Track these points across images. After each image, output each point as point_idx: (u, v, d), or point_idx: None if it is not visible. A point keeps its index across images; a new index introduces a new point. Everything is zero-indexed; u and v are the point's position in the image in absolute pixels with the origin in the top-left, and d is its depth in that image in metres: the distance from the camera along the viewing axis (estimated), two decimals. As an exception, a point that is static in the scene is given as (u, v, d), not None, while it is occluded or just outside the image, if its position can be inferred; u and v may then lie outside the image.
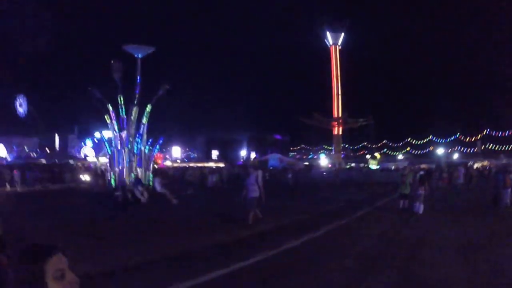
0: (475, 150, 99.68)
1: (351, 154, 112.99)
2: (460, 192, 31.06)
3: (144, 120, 32.69)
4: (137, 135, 32.15)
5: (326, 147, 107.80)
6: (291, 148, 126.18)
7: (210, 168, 53.61)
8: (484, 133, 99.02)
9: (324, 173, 65.79)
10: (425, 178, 21.31)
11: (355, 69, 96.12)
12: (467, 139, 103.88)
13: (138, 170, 31.64)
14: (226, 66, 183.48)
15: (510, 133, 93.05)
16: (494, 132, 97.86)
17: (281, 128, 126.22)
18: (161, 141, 35.04)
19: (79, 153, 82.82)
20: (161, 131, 37.53)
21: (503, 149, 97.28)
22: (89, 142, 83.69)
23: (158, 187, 25.46)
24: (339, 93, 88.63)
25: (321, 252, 11.26)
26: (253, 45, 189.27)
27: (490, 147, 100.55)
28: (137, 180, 25.98)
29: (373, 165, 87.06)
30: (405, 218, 18.16)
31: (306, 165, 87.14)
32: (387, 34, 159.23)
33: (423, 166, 69.99)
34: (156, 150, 34.64)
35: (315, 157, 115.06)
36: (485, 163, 71.95)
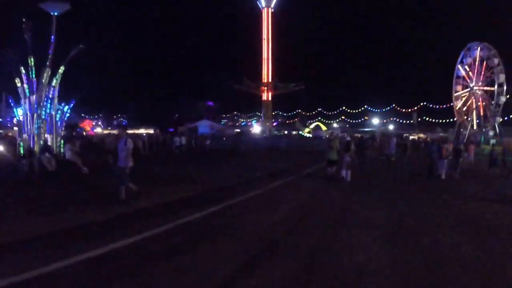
0: (411, 122, 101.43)
1: (286, 121, 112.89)
2: (391, 162, 31.51)
3: (54, 83, 30.33)
4: (46, 99, 29.81)
5: (259, 114, 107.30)
6: (223, 115, 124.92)
7: (134, 135, 51.44)
8: (420, 105, 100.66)
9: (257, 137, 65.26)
10: (350, 144, 21.18)
11: (289, 34, 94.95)
12: (403, 110, 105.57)
13: (48, 136, 29.40)
14: (152, 29, 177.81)
15: (447, 106, 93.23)
16: (430, 105, 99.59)
17: (214, 95, 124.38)
18: (71, 105, 32.56)
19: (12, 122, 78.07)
20: (81, 94, 35.28)
21: (439, 122, 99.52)
22: (20, 111, 78.73)
23: (67, 154, 24.21)
24: (269, 57, 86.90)
25: (199, 237, 9.39)
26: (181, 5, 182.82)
27: (427, 120, 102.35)
28: (45, 147, 23.97)
29: (306, 133, 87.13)
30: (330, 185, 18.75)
31: (237, 132, 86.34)
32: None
33: (356, 135, 70.83)
34: (66, 115, 32.27)
35: (248, 123, 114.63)
36: (421, 135, 73.24)
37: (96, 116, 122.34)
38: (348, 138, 24.22)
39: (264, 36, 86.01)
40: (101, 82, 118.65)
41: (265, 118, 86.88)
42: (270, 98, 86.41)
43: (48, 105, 30.48)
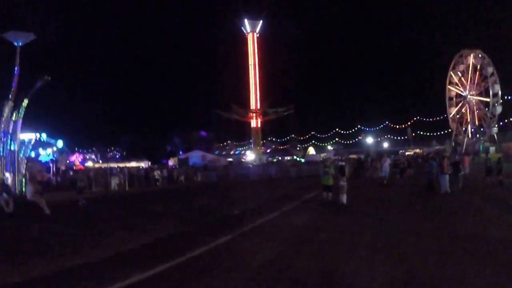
0: (405, 138, 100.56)
1: (279, 147, 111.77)
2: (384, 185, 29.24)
3: (14, 117, 28.40)
4: (3, 134, 27.85)
5: (252, 141, 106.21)
6: (217, 144, 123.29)
7: (113, 168, 49.72)
8: (413, 120, 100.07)
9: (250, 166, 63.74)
10: (344, 168, 21.64)
11: (276, 58, 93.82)
12: (397, 127, 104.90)
13: (7, 175, 27.25)
14: (134, 56, 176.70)
15: (440, 118, 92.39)
16: (424, 118, 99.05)
17: (207, 124, 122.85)
18: (33, 141, 30.74)
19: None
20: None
21: (434, 134, 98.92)
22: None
23: (28, 194, 22.15)
24: (257, 83, 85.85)
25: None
26: (164, 32, 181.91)
27: (421, 133, 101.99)
28: (2, 187, 21.86)
29: (299, 157, 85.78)
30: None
31: (229, 161, 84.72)
32: (310, 21, 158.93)
33: (352, 156, 69.33)
34: (29, 152, 30.32)
35: (242, 152, 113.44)
36: (417, 150, 71.94)
37: (89, 150, 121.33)
38: (342, 163, 24.98)
39: (251, 61, 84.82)
40: (94, 115, 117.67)
41: (255, 145, 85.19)
42: (259, 125, 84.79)
43: (9, 140, 28.38)
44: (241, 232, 13.55)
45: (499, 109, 75.54)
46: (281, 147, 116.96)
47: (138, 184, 42.69)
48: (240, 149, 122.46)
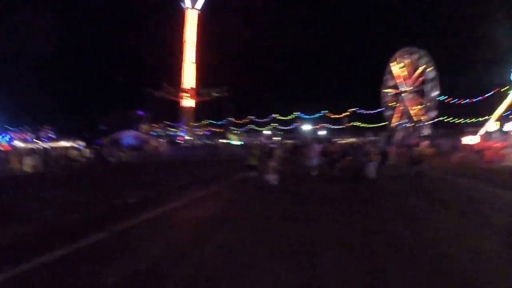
0: (342, 127, 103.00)
1: (217, 130, 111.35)
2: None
3: None
4: None
5: (191, 123, 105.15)
6: (154, 125, 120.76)
7: (31, 149, 47.77)
8: (351, 111, 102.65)
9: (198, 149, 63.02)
10: (274, 151, 24.08)
11: (215, 38, 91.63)
12: (334, 116, 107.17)
13: None
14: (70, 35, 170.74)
15: (377, 111, 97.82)
16: (361, 110, 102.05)
17: (143, 103, 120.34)
18: None
19: None
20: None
21: (371, 126, 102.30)
22: None
23: None
24: (191, 62, 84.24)
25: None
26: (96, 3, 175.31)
27: (358, 125, 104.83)
28: None
29: (235, 140, 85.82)
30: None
31: (162, 141, 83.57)
32: (255, 5, 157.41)
33: (289, 141, 70.13)
34: None
35: (181, 132, 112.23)
36: (353, 140, 73.81)
37: (20, 128, 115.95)
38: (274, 145, 28.30)
39: (187, 38, 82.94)
40: (29, 93, 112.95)
41: (187, 126, 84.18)
42: (192, 105, 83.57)
43: None
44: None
45: (436, 92, 79.30)
46: (220, 130, 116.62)
47: (56, 165, 39.03)
48: (174, 130, 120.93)
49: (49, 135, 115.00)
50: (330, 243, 9.24)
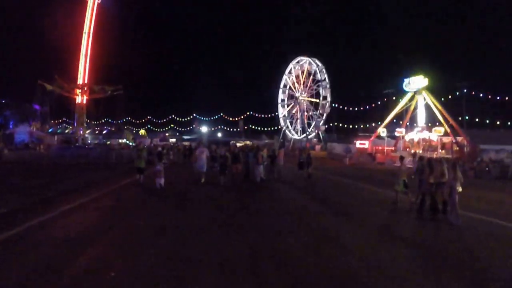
0: (238, 130, 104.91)
1: (113, 129, 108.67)
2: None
3: None
4: None
5: (89, 121, 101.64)
6: (53, 121, 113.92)
7: None
8: (246, 114, 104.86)
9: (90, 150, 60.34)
10: (162, 154, 24.71)
11: (116, 33, 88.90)
12: (231, 119, 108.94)
13: None
14: None
15: (271, 115, 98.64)
16: (256, 114, 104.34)
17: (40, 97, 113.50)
18: None
19: None
20: None
21: (265, 129, 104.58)
22: None
23: None
24: (88, 55, 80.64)
25: None
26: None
27: (253, 128, 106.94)
28: None
29: (131, 141, 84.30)
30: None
31: (63, 140, 79.43)
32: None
33: (186, 143, 70.20)
34: None
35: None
36: (248, 142, 75.05)
37: None
38: (160, 149, 27.47)
39: (86, 30, 79.42)
40: None
41: (78, 124, 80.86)
42: (84, 102, 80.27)
43: None
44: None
45: (327, 109, 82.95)
46: (116, 130, 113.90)
47: None
48: (74, 128, 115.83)
49: None
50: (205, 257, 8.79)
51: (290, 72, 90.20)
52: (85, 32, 79.98)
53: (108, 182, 23.19)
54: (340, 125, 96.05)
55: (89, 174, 28.74)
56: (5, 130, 75.77)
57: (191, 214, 14.08)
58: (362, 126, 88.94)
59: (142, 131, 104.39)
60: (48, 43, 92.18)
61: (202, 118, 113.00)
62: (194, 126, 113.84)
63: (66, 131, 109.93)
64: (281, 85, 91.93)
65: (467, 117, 63.38)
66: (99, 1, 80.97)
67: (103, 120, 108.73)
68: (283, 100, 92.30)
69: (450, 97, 64.01)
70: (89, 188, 20.48)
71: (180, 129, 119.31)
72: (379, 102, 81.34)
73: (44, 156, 47.17)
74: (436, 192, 14.33)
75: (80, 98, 79.84)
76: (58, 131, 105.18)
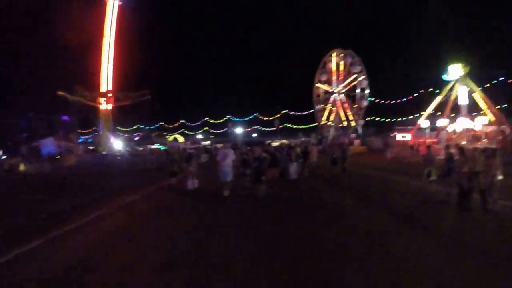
0: (273, 129, 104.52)
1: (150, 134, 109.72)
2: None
3: None
4: None
5: (119, 128, 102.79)
6: (81, 131, 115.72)
7: None
8: (282, 113, 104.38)
9: (118, 158, 60.97)
10: (192, 156, 23.25)
11: (138, 36, 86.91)
12: (266, 119, 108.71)
13: None
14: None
15: (308, 113, 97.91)
16: (292, 112, 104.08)
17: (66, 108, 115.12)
18: None
19: None
20: None
21: (301, 128, 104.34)
22: None
23: None
24: (110, 61, 79.36)
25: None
26: None
27: (289, 126, 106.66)
28: None
29: (161, 146, 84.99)
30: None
31: (90, 149, 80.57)
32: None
33: (219, 145, 70.54)
34: None
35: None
36: (284, 141, 74.88)
37: None
38: (191, 151, 27.96)
39: (108, 34, 78.40)
40: None
41: (104, 132, 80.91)
42: (110, 110, 79.80)
43: None
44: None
45: (365, 103, 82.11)
46: (153, 135, 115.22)
47: None
48: (87, 136, 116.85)
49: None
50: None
51: (325, 66, 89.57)
52: (106, 36, 78.88)
53: (136, 189, 23.18)
54: (377, 119, 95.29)
55: (116, 181, 29.58)
56: (31, 143, 76.66)
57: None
58: (399, 119, 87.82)
59: (171, 137, 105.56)
60: (69, 52, 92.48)
61: (236, 119, 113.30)
62: (228, 127, 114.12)
63: (97, 140, 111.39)
64: (316, 80, 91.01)
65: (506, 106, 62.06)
66: (120, 3, 79.92)
67: (134, 127, 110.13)
68: (318, 95, 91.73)
69: (488, 85, 62.84)
70: (119, 194, 21.18)
71: (214, 131, 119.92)
72: (416, 94, 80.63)
73: (68, 167, 47.35)
74: (471, 182, 13.61)
75: (105, 106, 79.81)
76: (89, 140, 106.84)
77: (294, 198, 17.71)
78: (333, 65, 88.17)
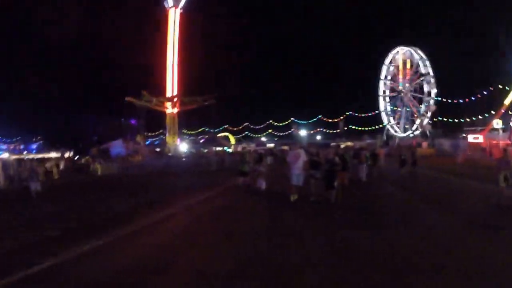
0: (337, 131, 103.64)
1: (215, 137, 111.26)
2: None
3: None
4: None
5: (185, 131, 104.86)
6: (147, 134, 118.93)
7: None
8: (346, 114, 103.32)
9: (184, 159, 62.29)
10: (263, 156, 25.88)
11: (200, 40, 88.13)
12: (330, 120, 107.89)
13: None
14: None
15: (372, 114, 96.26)
16: (356, 114, 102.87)
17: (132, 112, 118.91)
18: None
19: None
20: None
21: (366, 129, 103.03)
22: None
23: None
24: (175, 67, 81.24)
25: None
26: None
27: (354, 128, 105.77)
28: None
29: (230, 148, 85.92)
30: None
31: (157, 151, 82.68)
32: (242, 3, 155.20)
33: (285, 147, 70.62)
34: None
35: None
36: (349, 143, 74.09)
37: (13, 140, 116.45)
38: (261, 151, 29.14)
39: (171, 41, 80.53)
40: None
41: (170, 135, 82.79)
42: (176, 114, 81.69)
43: None
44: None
45: (433, 107, 79.59)
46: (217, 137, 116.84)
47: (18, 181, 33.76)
48: (154, 139, 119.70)
49: (36, 146, 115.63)
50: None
51: (390, 62, 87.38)
52: (169, 43, 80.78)
53: (204, 189, 24.66)
54: (445, 119, 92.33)
55: (182, 181, 30.93)
56: (101, 145, 79.73)
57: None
58: (468, 120, 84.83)
59: (232, 139, 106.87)
60: (134, 58, 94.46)
61: (300, 121, 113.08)
62: (292, 130, 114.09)
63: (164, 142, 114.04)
64: (382, 76, 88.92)
65: None
66: (181, 11, 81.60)
67: (200, 130, 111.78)
68: (384, 92, 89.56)
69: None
70: (186, 194, 22.52)
71: (278, 133, 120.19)
72: (484, 92, 77.71)
73: (135, 167, 49.13)
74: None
75: (171, 110, 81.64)
76: (156, 142, 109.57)
77: (365, 202, 17.29)
78: (399, 63, 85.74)
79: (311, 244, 10.26)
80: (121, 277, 8.15)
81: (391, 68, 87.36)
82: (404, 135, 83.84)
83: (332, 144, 70.54)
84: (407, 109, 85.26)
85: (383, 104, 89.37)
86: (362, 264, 8.25)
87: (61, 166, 50.10)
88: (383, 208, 15.82)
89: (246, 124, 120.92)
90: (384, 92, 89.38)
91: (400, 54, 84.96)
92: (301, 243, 10.39)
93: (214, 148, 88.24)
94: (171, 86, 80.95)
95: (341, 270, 7.98)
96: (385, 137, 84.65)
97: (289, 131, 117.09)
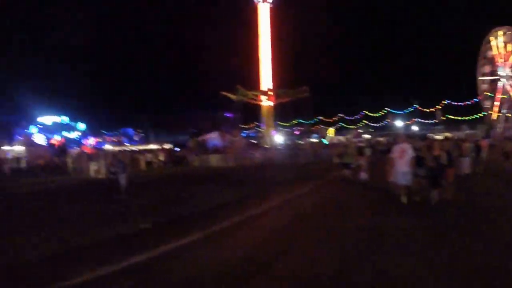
0: (435, 121, 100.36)
1: (309, 129, 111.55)
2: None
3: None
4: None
5: (280, 123, 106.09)
6: (242, 126, 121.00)
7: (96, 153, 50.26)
8: (443, 104, 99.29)
9: (281, 151, 63.22)
10: (363, 149, 26.66)
11: (291, 34, 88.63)
12: (426, 110, 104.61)
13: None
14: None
15: (472, 103, 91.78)
16: (454, 102, 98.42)
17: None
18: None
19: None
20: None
21: (465, 119, 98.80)
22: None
23: None
24: (268, 60, 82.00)
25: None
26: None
27: (452, 118, 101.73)
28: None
29: (328, 140, 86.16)
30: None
31: (252, 143, 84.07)
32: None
33: (380, 139, 69.80)
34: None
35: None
36: (447, 134, 72.04)
37: (117, 132, 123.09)
38: (360, 144, 30.00)
39: (262, 35, 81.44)
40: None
41: (267, 127, 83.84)
42: (272, 106, 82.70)
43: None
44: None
45: None
46: (311, 129, 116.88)
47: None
48: (249, 131, 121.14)
49: (137, 138, 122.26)
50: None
51: (487, 47, 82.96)
52: (260, 36, 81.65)
53: (304, 181, 25.05)
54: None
55: (281, 174, 31.06)
56: (198, 137, 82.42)
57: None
58: None
59: (330, 131, 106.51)
60: (229, 54, 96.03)
61: (395, 111, 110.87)
62: (387, 120, 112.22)
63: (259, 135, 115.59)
64: (481, 57, 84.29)
65: None
66: (271, 6, 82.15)
67: (294, 121, 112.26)
68: (483, 82, 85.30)
69: None
70: (286, 186, 23.06)
71: (373, 124, 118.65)
72: None
73: (232, 159, 50.31)
74: None
75: (266, 103, 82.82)
76: (251, 134, 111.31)
77: (476, 202, 15.23)
78: (500, 46, 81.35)
79: (427, 251, 9.04)
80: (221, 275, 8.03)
81: (490, 52, 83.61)
82: (508, 124, 79.87)
83: (429, 135, 68.86)
84: (506, 96, 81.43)
85: (482, 86, 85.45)
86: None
87: (161, 158, 52.45)
88: (497, 210, 13.80)
89: (340, 115, 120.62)
90: (483, 80, 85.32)
91: (500, 35, 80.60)
92: (416, 249, 9.30)
93: (309, 139, 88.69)
94: (265, 79, 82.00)
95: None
96: (486, 127, 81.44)
97: (384, 122, 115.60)
